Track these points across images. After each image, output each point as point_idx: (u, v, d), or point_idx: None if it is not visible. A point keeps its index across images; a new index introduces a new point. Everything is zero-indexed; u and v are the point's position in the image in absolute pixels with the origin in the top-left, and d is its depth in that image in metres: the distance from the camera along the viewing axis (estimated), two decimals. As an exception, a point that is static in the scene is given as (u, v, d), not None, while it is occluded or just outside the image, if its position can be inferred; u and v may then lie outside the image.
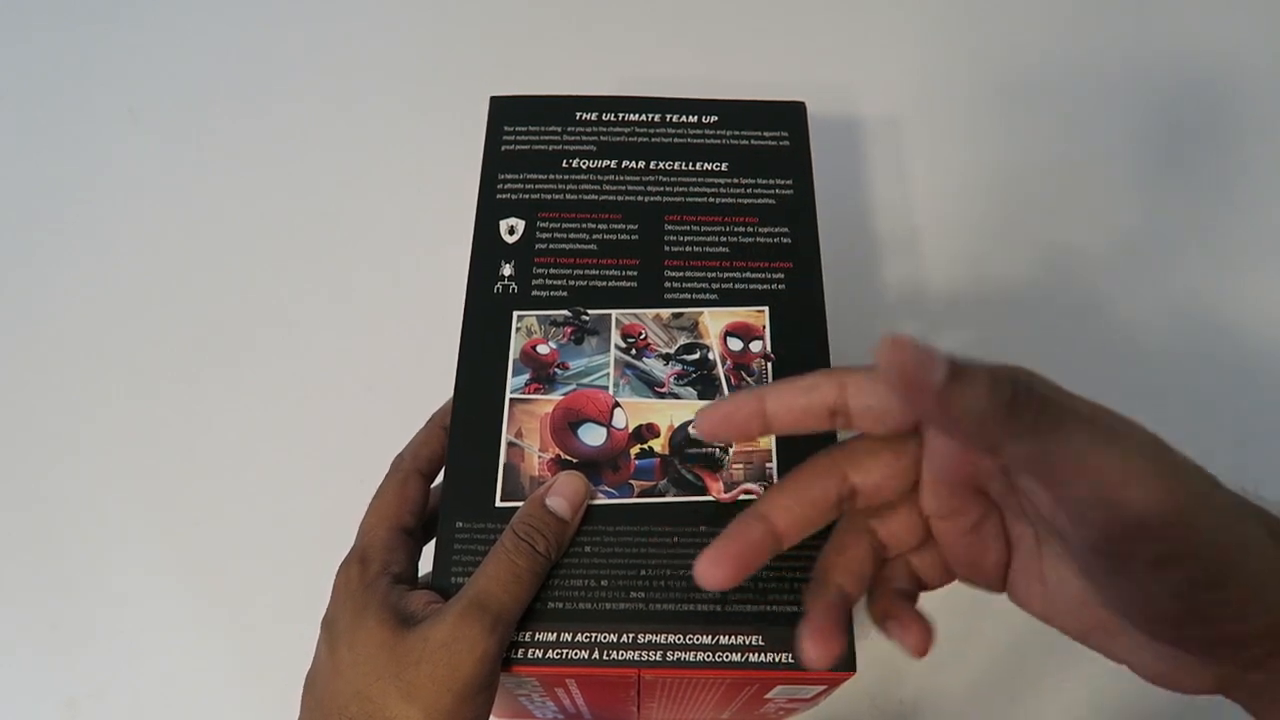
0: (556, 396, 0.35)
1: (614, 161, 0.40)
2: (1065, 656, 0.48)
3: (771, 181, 0.40)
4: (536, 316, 0.37)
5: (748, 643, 0.31)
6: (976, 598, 0.49)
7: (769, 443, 0.34)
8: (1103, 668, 0.47)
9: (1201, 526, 0.21)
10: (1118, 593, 0.23)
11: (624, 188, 0.40)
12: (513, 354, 0.36)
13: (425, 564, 0.34)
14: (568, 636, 0.31)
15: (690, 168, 0.40)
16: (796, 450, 0.34)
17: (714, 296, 0.37)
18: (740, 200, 0.39)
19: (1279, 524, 0.23)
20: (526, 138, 0.41)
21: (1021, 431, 0.21)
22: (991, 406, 0.21)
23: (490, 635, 0.29)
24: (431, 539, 0.35)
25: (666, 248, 0.38)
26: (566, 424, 0.34)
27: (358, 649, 0.30)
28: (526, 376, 0.35)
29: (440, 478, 0.35)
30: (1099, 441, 0.21)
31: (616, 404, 0.35)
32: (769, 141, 0.41)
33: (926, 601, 0.50)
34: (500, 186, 0.40)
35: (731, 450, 0.34)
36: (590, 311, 0.37)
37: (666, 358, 0.36)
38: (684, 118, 0.42)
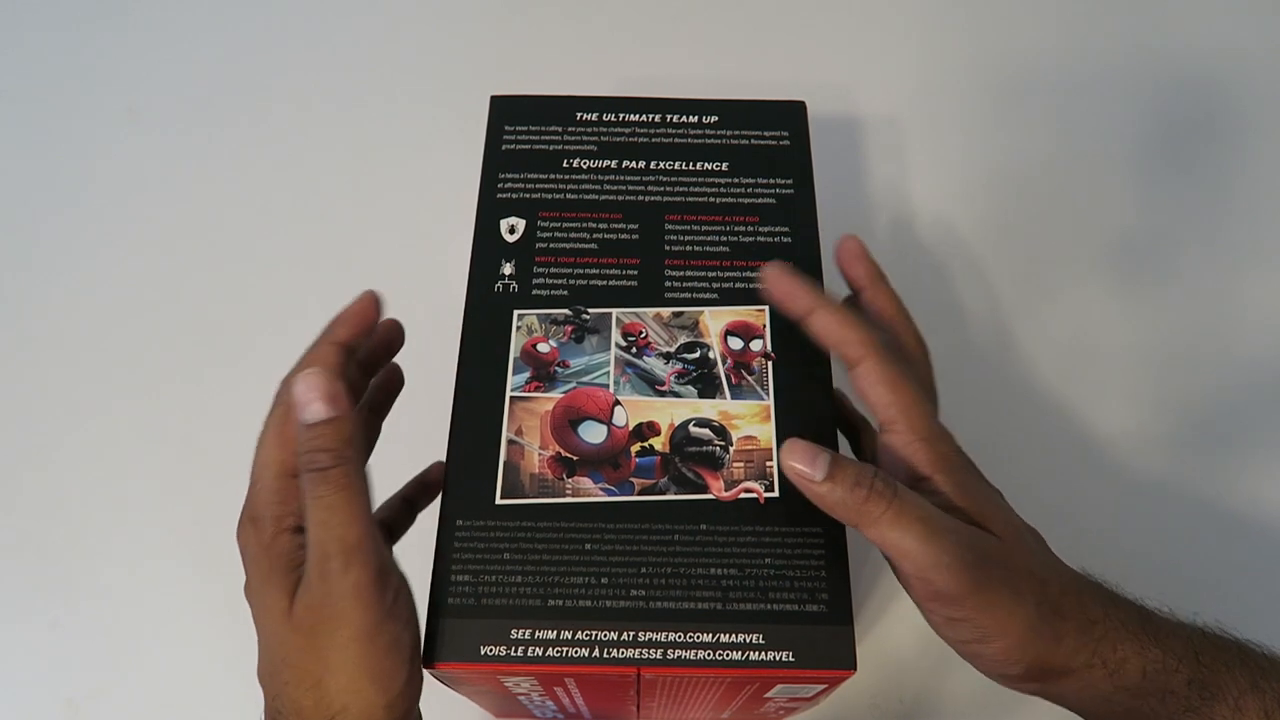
0: (557, 394, 0.35)
1: (614, 161, 0.40)
2: (1065, 656, 0.48)
3: (772, 181, 0.40)
4: (537, 315, 0.37)
5: (748, 641, 0.31)
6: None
7: (769, 442, 0.34)
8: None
9: (978, 603, 0.29)
10: (931, 627, 0.32)
11: (624, 187, 0.40)
12: (513, 352, 0.36)
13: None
14: (568, 634, 0.31)
15: (691, 167, 0.40)
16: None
17: (714, 295, 0.37)
18: (741, 200, 0.39)
19: (1068, 601, 0.31)
20: (527, 137, 0.41)
21: (869, 523, 0.29)
22: (852, 502, 0.29)
23: (347, 573, 0.28)
24: None
25: (667, 247, 0.38)
26: (567, 422, 0.34)
27: (270, 622, 0.30)
28: (527, 374, 0.35)
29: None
30: (922, 538, 0.29)
31: (617, 402, 0.35)
32: (769, 141, 0.41)
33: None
34: (501, 186, 0.40)
35: (732, 449, 0.34)
36: (591, 310, 0.37)
37: (667, 356, 0.36)
38: (684, 118, 0.42)
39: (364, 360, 0.36)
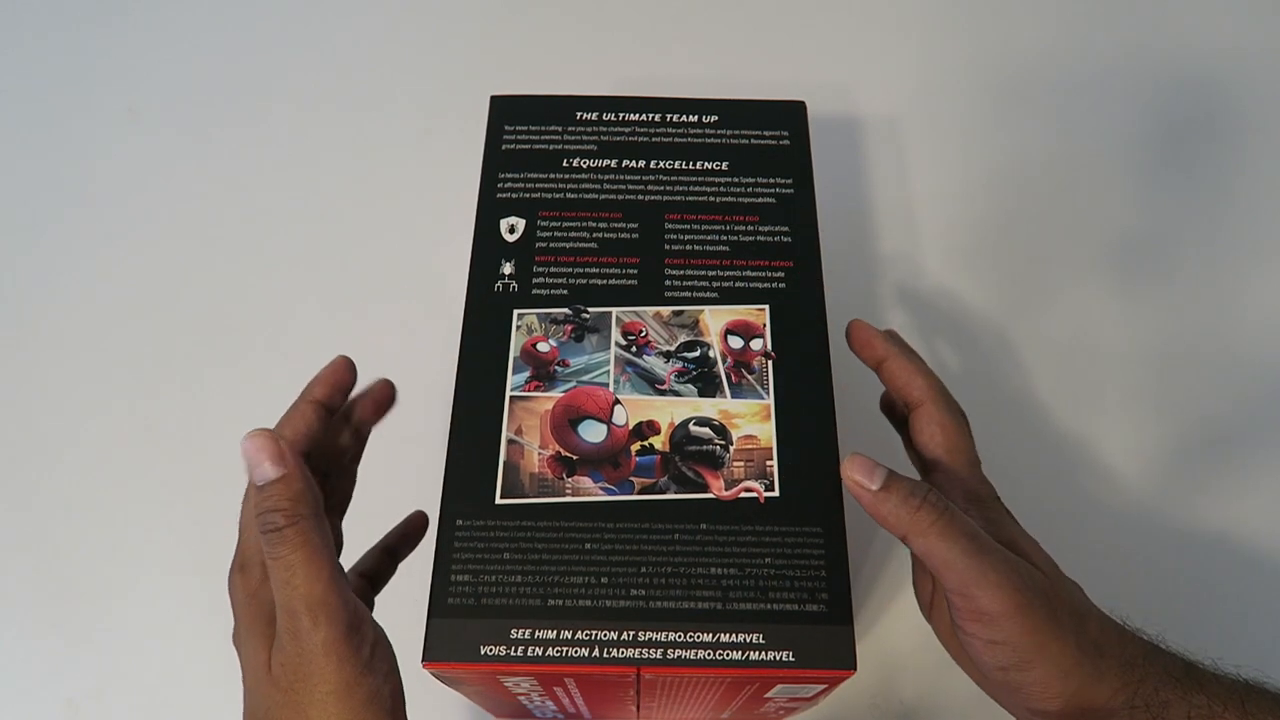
0: (557, 394, 0.35)
1: (614, 161, 0.40)
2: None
3: (772, 181, 0.40)
4: (537, 314, 0.37)
5: (748, 641, 0.31)
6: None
7: (769, 441, 0.34)
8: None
9: (1022, 626, 0.29)
10: (969, 653, 0.32)
11: (624, 187, 0.40)
12: (513, 351, 0.36)
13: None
14: (568, 634, 0.31)
15: (691, 167, 0.40)
16: (798, 448, 0.34)
17: (714, 295, 0.37)
18: (740, 199, 0.39)
19: (1108, 639, 0.31)
20: (527, 137, 0.41)
21: (919, 533, 0.30)
22: (904, 512, 0.30)
23: (317, 630, 0.29)
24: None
25: (667, 246, 0.38)
26: (567, 421, 0.34)
27: (251, 674, 0.31)
28: (527, 374, 0.35)
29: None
30: (969, 553, 0.30)
31: (617, 401, 0.35)
32: (769, 141, 0.41)
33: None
34: (501, 185, 0.40)
35: (733, 448, 0.34)
36: (591, 309, 0.37)
37: (667, 355, 0.36)
38: (684, 117, 0.42)
39: (355, 420, 0.36)
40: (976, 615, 0.30)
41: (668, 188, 0.40)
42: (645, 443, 0.34)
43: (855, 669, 0.31)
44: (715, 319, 0.37)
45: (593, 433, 0.34)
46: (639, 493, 0.33)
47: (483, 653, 0.31)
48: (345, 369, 0.36)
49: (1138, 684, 0.30)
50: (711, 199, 0.39)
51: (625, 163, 0.40)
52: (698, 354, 0.36)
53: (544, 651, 0.31)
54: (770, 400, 0.35)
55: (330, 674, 0.29)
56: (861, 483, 0.31)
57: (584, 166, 0.40)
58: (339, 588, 0.29)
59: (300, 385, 0.54)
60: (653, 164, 0.40)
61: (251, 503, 0.31)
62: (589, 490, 0.33)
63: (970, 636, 0.31)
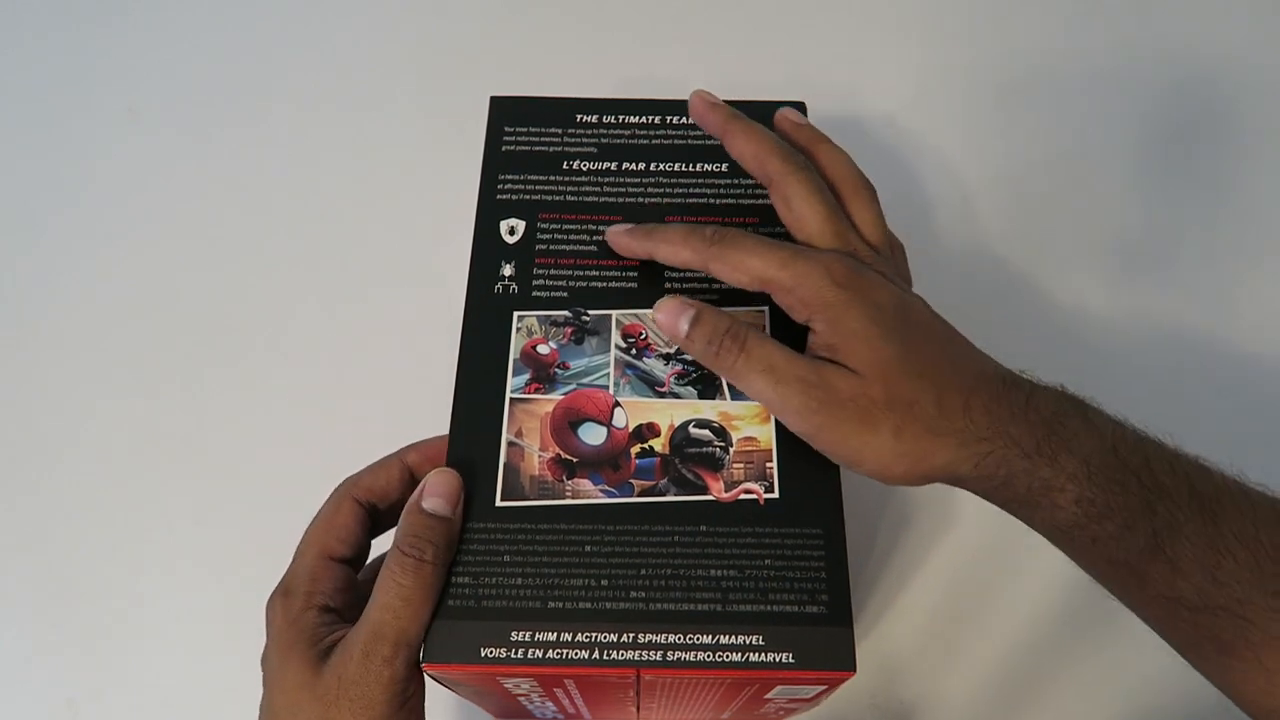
0: (557, 396, 0.35)
1: (614, 163, 0.40)
2: (1064, 658, 0.48)
3: None
4: (537, 316, 0.37)
5: (748, 642, 0.31)
6: (978, 600, 0.49)
7: (769, 443, 0.34)
8: (1101, 670, 0.47)
9: (830, 439, 0.32)
10: None
11: (624, 189, 0.40)
12: (513, 354, 0.36)
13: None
14: (568, 636, 0.31)
15: (691, 169, 0.40)
16: (797, 450, 0.34)
17: (715, 297, 0.37)
18: (740, 201, 0.39)
19: (946, 416, 0.32)
20: (527, 139, 0.41)
21: (726, 373, 0.34)
22: (708, 356, 0.33)
23: (391, 664, 0.30)
24: (366, 560, 0.36)
25: None
26: (567, 423, 0.35)
27: (286, 691, 0.31)
28: (527, 376, 0.35)
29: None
30: (769, 386, 0.32)
31: (617, 403, 0.35)
32: None
33: (930, 600, 0.50)
34: (501, 187, 0.40)
35: (732, 450, 0.34)
36: (591, 312, 0.37)
37: (667, 357, 0.36)
38: (684, 119, 0.42)
39: (384, 511, 0.36)
40: (798, 433, 0.33)
41: (668, 190, 0.40)
42: (645, 445, 0.34)
43: (855, 670, 0.31)
44: (715, 321, 0.36)
45: (593, 435, 0.34)
46: (639, 495, 0.33)
47: (483, 654, 0.31)
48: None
49: (979, 458, 0.32)
50: (712, 201, 0.39)
51: (625, 165, 0.40)
52: (698, 356, 0.36)
53: (544, 653, 0.31)
54: (770, 402, 0.35)
55: (380, 707, 0.30)
56: (668, 326, 0.34)
57: (584, 169, 0.40)
58: (424, 637, 0.31)
59: (300, 385, 0.54)
60: (653, 166, 0.40)
61: (406, 521, 0.32)
62: (589, 492, 0.33)
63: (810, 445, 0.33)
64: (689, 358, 0.36)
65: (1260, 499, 0.33)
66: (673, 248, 0.35)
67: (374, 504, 0.35)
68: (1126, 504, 0.31)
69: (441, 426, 0.35)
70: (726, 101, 0.42)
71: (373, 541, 0.37)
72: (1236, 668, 0.31)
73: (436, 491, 0.32)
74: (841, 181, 0.37)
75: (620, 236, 0.37)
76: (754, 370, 0.32)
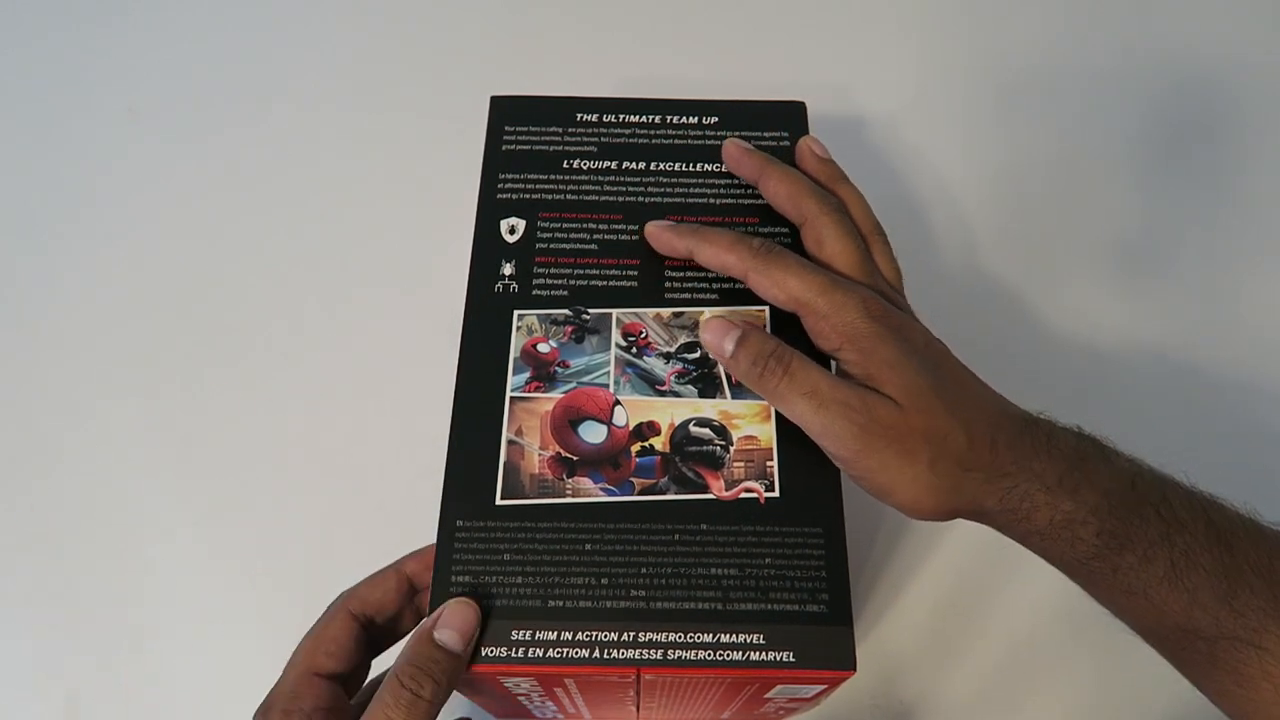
0: (557, 394, 0.35)
1: (614, 162, 0.40)
2: (1064, 658, 0.48)
3: None
4: (537, 315, 0.37)
5: (749, 641, 0.31)
6: (978, 599, 0.49)
7: (769, 442, 0.34)
8: (1101, 669, 0.47)
9: (867, 466, 0.32)
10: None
11: (625, 188, 0.40)
12: (513, 352, 0.36)
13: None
14: (568, 635, 0.31)
15: (691, 168, 0.40)
16: (797, 449, 0.34)
17: (714, 296, 0.37)
18: (740, 200, 0.40)
19: (976, 452, 0.33)
20: (527, 138, 0.41)
21: (769, 395, 0.34)
22: (752, 377, 0.34)
23: None
24: (364, 679, 0.35)
25: None
26: (567, 422, 0.34)
27: None
28: (527, 375, 0.35)
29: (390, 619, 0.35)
30: (810, 410, 0.32)
31: (617, 402, 0.35)
32: (769, 142, 0.41)
33: (930, 600, 0.50)
34: (501, 186, 0.40)
35: (733, 449, 0.34)
36: (591, 310, 0.37)
37: (667, 356, 0.36)
38: (684, 119, 0.42)
39: (382, 625, 0.36)
40: (834, 459, 0.33)
41: (668, 189, 0.40)
42: (645, 443, 0.34)
43: (855, 670, 0.31)
44: (715, 320, 0.37)
45: (593, 433, 0.34)
46: (639, 493, 0.33)
47: (483, 654, 0.31)
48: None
49: (1004, 493, 0.33)
50: (712, 200, 0.39)
51: (625, 164, 0.40)
52: (698, 355, 0.36)
53: (544, 653, 0.31)
54: (770, 401, 0.35)
55: None
56: (714, 346, 0.34)
57: (584, 168, 0.40)
58: None
59: (300, 385, 0.54)
60: (653, 165, 0.40)
61: (413, 648, 0.30)
62: (589, 491, 0.33)
63: (844, 473, 0.34)
64: (689, 356, 0.36)
65: (1274, 534, 0.33)
66: (716, 250, 0.35)
67: (371, 617, 0.34)
68: (1146, 535, 0.32)
69: (441, 425, 0.35)
70: (727, 101, 0.42)
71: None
72: (1251, 697, 0.32)
73: (452, 624, 0.30)
74: (860, 224, 0.38)
75: (663, 231, 0.37)
76: (797, 392, 0.32)
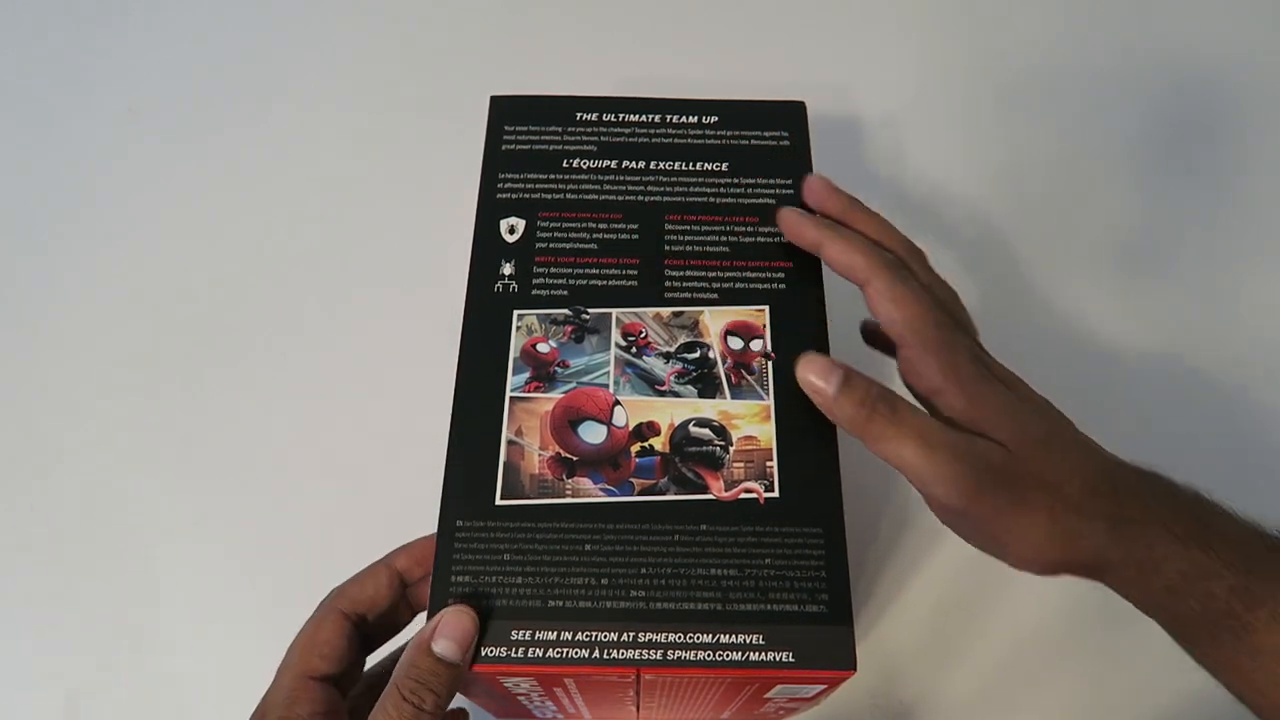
0: (557, 394, 0.35)
1: (614, 162, 0.40)
2: (1065, 657, 0.48)
3: (772, 181, 0.40)
4: (537, 315, 0.37)
5: (748, 641, 0.31)
6: (977, 599, 0.49)
7: (769, 442, 0.34)
8: (1101, 669, 0.47)
9: (982, 514, 0.31)
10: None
11: (624, 188, 0.40)
12: (513, 352, 0.36)
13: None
14: (568, 635, 0.31)
15: (691, 168, 0.40)
16: (797, 450, 0.34)
17: (714, 295, 0.37)
18: (741, 200, 0.39)
19: (1095, 499, 0.31)
20: (527, 138, 0.41)
21: (874, 439, 0.31)
22: (858, 419, 0.31)
23: None
24: (357, 678, 0.35)
25: (667, 247, 0.38)
26: (567, 422, 0.34)
27: None
28: (527, 375, 0.35)
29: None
30: (920, 455, 0.30)
31: (617, 402, 0.35)
32: (769, 141, 0.41)
33: (930, 599, 0.50)
34: (500, 186, 0.40)
35: (732, 449, 0.34)
36: (591, 310, 0.37)
37: (667, 356, 0.36)
38: (684, 118, 0.42)
39: (374, 622, 0.35)
40: (940, 508, 0.32)
41: (668, 188, 0.40)
42: (645, 444, 0.34)
43: (855, 669, 0.31)
44: (715, 320, 0.37)
45: (593, 434, 0.34)
46: (639, 494, 0.33)
47: (483, 654, 0.31)
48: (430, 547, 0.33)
49: (1130, 542, 0.31)
50: (711, 200, 0.39)
51: (625, 163, 0.40)
52: (698, 355, 0.36)
53: (544, 653, 0.31)
54: (770, 401, 0.35)
55: None
56: (817, 385, 0.32)
57: (584, 167, 0.40)
58: None
59: (300, 385, 0.54)
60: (653, 165, 0.40)
61: (411, 661, 0.30)
62: (589, 491, 0.33)
63: (949, 526, 0.33)
64: (689, 356, 0.36)
65: None
66: (847, 246, 0.34)
67: (363, 615, 0.34)
68: (1275, 594, 0.31)
69: (441, 425, 0.35)
70: (727, 101, 0.42)
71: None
72: None
73: (449, 634, 0.30)
74: (894, 249, 0.36)
75: (799, 221, 0.36)
76: (905, 436, 0.31)
